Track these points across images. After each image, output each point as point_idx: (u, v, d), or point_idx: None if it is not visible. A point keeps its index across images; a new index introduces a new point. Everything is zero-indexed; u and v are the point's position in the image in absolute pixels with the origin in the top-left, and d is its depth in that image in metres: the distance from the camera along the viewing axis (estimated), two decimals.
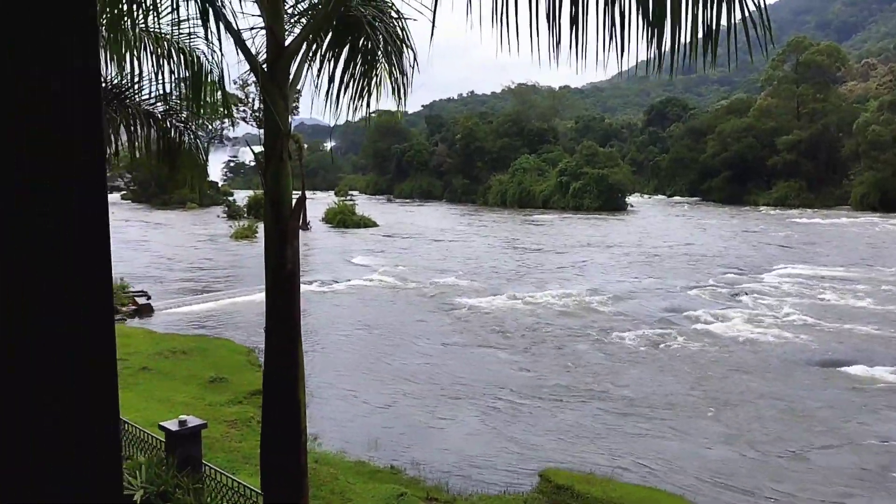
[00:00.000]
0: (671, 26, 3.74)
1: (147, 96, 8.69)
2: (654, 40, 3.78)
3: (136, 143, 8.90)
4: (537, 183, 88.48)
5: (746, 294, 28.72)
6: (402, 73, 6.75)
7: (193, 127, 9.46)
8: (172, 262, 38.64)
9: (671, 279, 32.52)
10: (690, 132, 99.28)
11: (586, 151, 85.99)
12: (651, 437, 14.30)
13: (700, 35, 3.79)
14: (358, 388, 17.30)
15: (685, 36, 3.84)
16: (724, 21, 3.85)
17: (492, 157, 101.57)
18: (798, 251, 41.87)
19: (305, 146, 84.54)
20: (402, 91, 6.85)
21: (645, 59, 3.83)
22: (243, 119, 66.59)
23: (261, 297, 6.08)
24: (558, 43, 3.73)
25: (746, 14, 3.90)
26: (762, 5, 3.86)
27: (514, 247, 46.13)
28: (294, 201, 5.78)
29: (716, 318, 24.55)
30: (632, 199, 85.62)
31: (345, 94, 6.64)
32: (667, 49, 3.79)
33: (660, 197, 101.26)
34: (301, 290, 6.16)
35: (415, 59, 6.70)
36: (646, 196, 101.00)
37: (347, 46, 6.48)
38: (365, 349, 21.01)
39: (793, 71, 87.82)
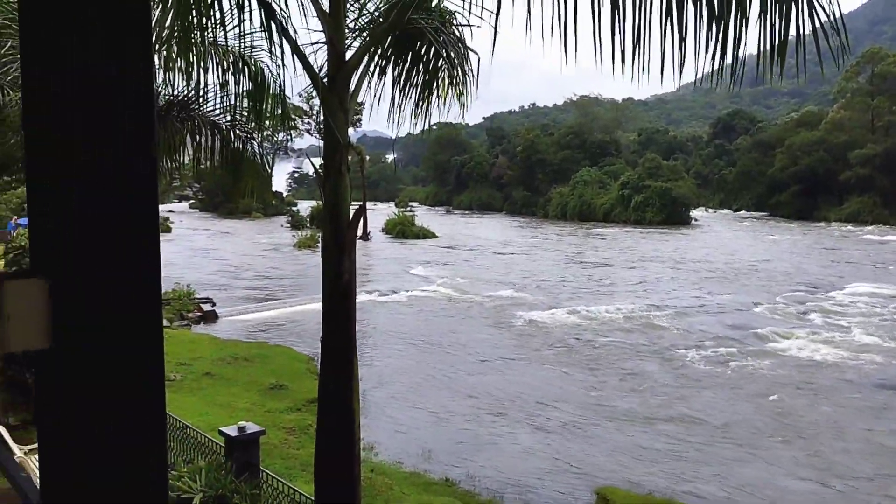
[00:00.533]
0: (737, 37, 3.62)
1: (212, 108, 8.93)
2: (720, 51, 3.67)
3: (203, 154, 9.14)
4: (598, 196, 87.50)
5: (816, 312, 27.70)
6: (465, 79, 6.75)
7: (258, 138, 9.67)
8: (237, 270, 39.54)
9: (738, 296, 31.62)
10: (758, 145, 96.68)
11: (649, 164, 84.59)
12: (719, 461, 13.84)
13: (768, 46, 3.66)
14: (414, 400, 17.32)
15: (753, 46, 3.72)
16: (793, 31, 3.71)
17: (552, 169, 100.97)
18: (871, 269, 40.20)
19: (367, 158, 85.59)
20: (463, 99, 6.84)
21: (710, 70, 3.72)
22: (307, 131, 67.89)
23: (321, 305, 6.14)
24: (622, 56, 3.65)
25: (818, 24, 3.75)
26: (837, 14, 3.71)
27: (575, 260, 45.64)
28: (352, 212, 5.83)
29: (784, 336, 23.74)
30: (696, 213, 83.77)
31: (406, 105, 6.68)
32: (734, 59, 3.67)
33: (725, 211, 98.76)
34: (359, 300, 6.20)
35: (478, 65, 6.69)
36: (711, 210, 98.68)
37: (409, 57, 6.52)
38: (421, 360, 21.03)
39: (867, 83, 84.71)
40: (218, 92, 8.07)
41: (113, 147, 1.03)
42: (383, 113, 6.63)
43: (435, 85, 6.73)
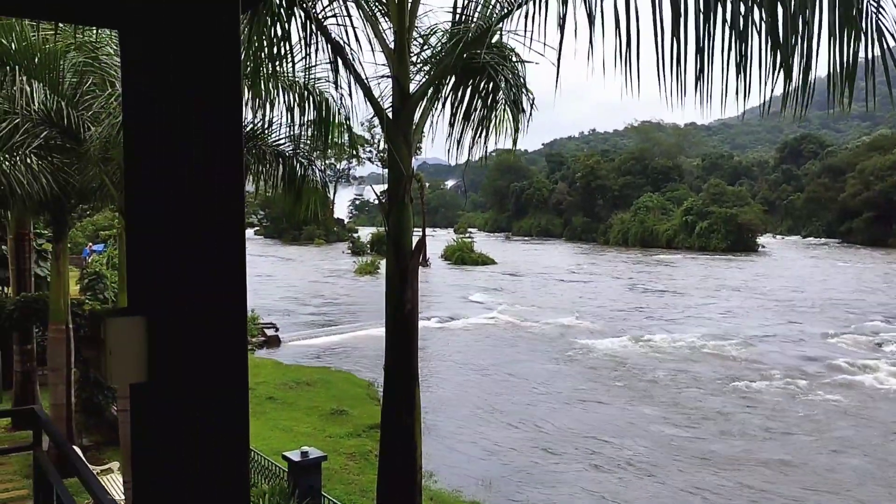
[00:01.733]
0: (805, 62, 3.57)
1: (277, 137, 9.19)
2: (785, 76, 3.62)
3: (268, 181, 9.40)
4: (661, 222, 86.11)
5: (893, 343, 26.53)
6: (522, 111, 6.80)
7: (321, 165, 9.89)
8: (300, 296, 40.23)
9: (809, 325, 30.55)
10: (828, 170, 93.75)
11: (713, 190, 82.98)
12: None
13: (837, 69, 3.60)
14: (473, 428, 17.23)
15: (822, 69, 3.67)
16: (863, 53, 3.64)
17: (613, 194, 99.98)
18: None
19: (427, 185, 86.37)
20: (521, 128, 6.90)
21: (776, 95, 3.68)
22: (369, 159, 69.12)
23: (381, 331, 6.23)
24: (684, 85, 3.64)
25: (886, 48, 3.68)
26: None
27: (637, 287, 44.90)
28: (415, 243, 5.91)
29: (861, 369, 22.77)
30: (763, 239, 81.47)
31: (466, 134, 6.76)
32: (799, 83, 3.62)
33: (794, 238, 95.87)
34: (419, 326, 6.25)
35: (532, 101, 6.74)
36: (778, 237, 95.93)
37: (469, 90, 6.62)
38: (481, 389, 20.93)
39: None
40: (284, 122, 8.32)
41: (205, 192, 1.10)
42: (442, 139, 6.76)
43: (493, 115, 6.80)
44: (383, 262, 8.07)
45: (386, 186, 6.32)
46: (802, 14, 3.45)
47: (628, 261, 66.23)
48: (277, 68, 6.33)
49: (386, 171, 6.48)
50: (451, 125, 6.68)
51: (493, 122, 6.87)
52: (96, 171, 8.63)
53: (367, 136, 64.45)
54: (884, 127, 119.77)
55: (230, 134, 1.13)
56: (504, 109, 6.81)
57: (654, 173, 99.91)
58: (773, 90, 3.70)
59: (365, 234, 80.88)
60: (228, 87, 1.13)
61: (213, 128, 1.12)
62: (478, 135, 6.81)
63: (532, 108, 6.84)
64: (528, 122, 6.87)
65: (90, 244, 35.20)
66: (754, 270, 55.09)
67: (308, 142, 8.52)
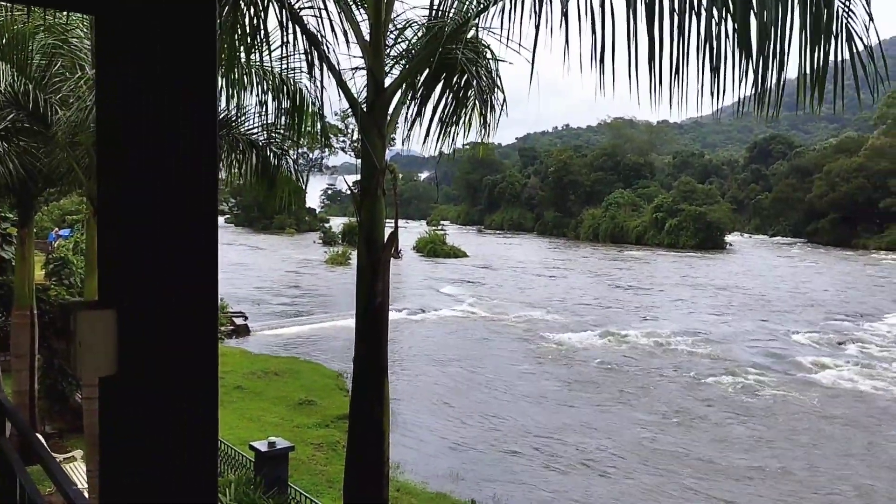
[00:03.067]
0: (777, 65, 3.63)
1: (251, 126, 9.10)
2: (755, 78, 3.68)
3: (240, 169, 9.32)
4: (631, 218, 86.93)
5: (856, 343, 27.13)
6: (492, 109, 6.86)
7: (294, 154, 9.85)
8: (270, 285, 39.98)
9: (774, 323, 31.11)
10: (796, 171, 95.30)
11: (684, 188, 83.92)
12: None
13: (806, 72, 3.67)
14: (441, 421, 17.29)
15: (793, 71, 3.74)
16: (833, 57, 3.72)
17: (585, 190, 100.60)
18: None
19: (400, 176, 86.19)
20: (490, 126, 6.95)
21: (747, 95, 3.74)
22: (342, 149, 68.65)
23: (351, 322, 6.26)
24: (659, 83, 3.69)
25: (856, 52, 3.76)
26: (874, 42, 3.72)
27: (607, 283, 45.33)
28: (387, 235, 5.93)
29: (824, 366, 23.26)
30: (731, 238, 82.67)
31: (440, 129, 6.77)
32: (771, 85, 3.68)
33: (761, 237, 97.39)
34: (389, 318, 6.27)
35: (504, 99, 6.79)
36: (746, 235, 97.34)
37: (441, 84, 6.63)
38: (450, 382, 21.01)
39: None
40: (257, 110, 8.24)
41: (179, 183, 1.09)
42: (416, 132, 6.75)
43: (465, 111, 6.84)
44: (355, 253, 8.09)
45: (359, 177, 6.31)
46: (774, 25, 3.52)
47: (599, 256, 66.81)
48: (252, 57, 6.28)
49: (359, 161, 6.47)
50: (425, 119, 6.68)
51: (466, 117, 6.90)
52: (64, 155, 8.48)
53: (341, 125, 63.98)
54: (850, 129, 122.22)
55: (205, 123, 1.13)
56: (475, 105, 6.84)
57: (626, 170, 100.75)
58: (745, 92, 3.77)
59: (337, 224, 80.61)
60: (206, 76, 1.13)
61: (188, 117, 1.11)
62: (449, 129, 6.83)
63: (504, 105, 6.89)
64: (499, 118, 6.92)
65: (56, 229, 34.56)
66: (722, 268, 55.92)
67: (282, 131, 8.45)
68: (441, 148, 6.86)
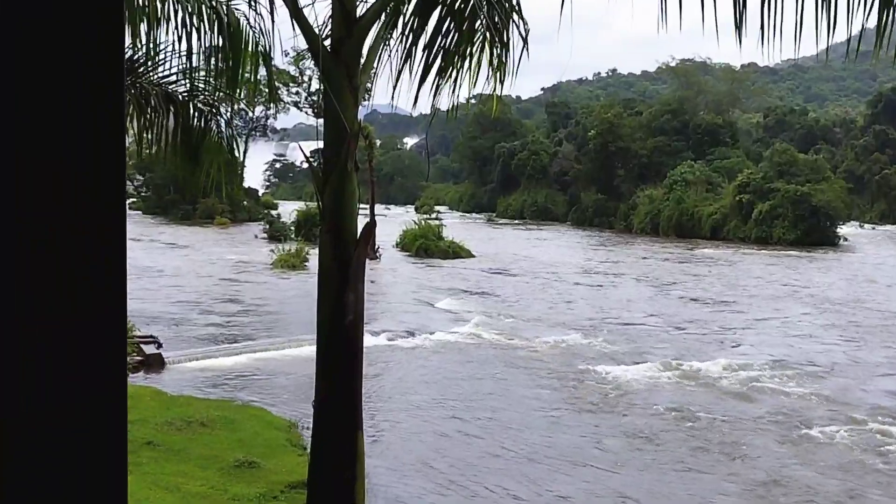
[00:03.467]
0: None
1: (166, 72, 9.09)
2: (881, 4, 3.64)
3: (150, 134, 9.30)
4: (705, 202, 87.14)
5: None
6: (506, 47, 6.82)
7: (226, 113, 9.82)
8: (193, 298, 39.98)
9: None
10: None
11: (779, 158, 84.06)
12: None
13: None
14: (434, 497, 17.28)
15: None
16: None
17: (639, 162, 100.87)
18: None
19: (378, 143, 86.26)
20: (505, 71, 6.90)
21: (868, 28, 3.69)
22: (296, 104, 68.67)
23: (310, 350, 6.23)
24: (743, 9, 3.63)
25: None
26: None
27: (672, 294, 45.39)
28: (361, 228, 5.90)
29: None
30: (846, 229, 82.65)
31: (436, 76, 6.73)
32: None
33: (889, 228, 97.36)
34: (364, 344, 6.23)
35: (526, 32, 6.75)
36: (867, 226, 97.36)
37: (438, 11, 6.58)
38: (451, 442, 20.96)
39: None
40: (175, 50, 8.21)
41: (71, 155, 1.06)
42: (402, 83, 6.68)
43: (471, 48, 6.80)
44: (314, 253, 8.05)
45: (320, 144, 6.27)
46: None
47: (661, 256, 66.89)
48: None
49: (320, 122, 6.44)
50: (413, 61, 6.63)
51: (472, 58, 6.86)
52: None
53: (294, 71, 64.00)
54: None
55: (107, 66, 1.09)
56: (485, 42, 6.82)
57: (698, 133, 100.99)
58: (865, 23, 3.71)
59: (288, 210, 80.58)
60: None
61: (81, 57, 1.08)
62: (448, 75, 6.79)
63: (525, 42, 6.85)
64: (518, 60, 6.88)
65: None
66: (835, 273, 55.97)
67: (210, 79, 8.43)
68: (436, 102, 6.83)
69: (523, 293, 44.74)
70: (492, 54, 6.88)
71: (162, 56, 8.71)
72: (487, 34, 6.78)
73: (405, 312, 37.40)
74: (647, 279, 51.59)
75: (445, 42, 6.68)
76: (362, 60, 6.12)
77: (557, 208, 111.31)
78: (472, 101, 8.19)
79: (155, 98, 8.96)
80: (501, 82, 7.08)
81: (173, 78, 8.96)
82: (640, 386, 25.81)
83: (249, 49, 7.48)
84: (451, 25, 6.62)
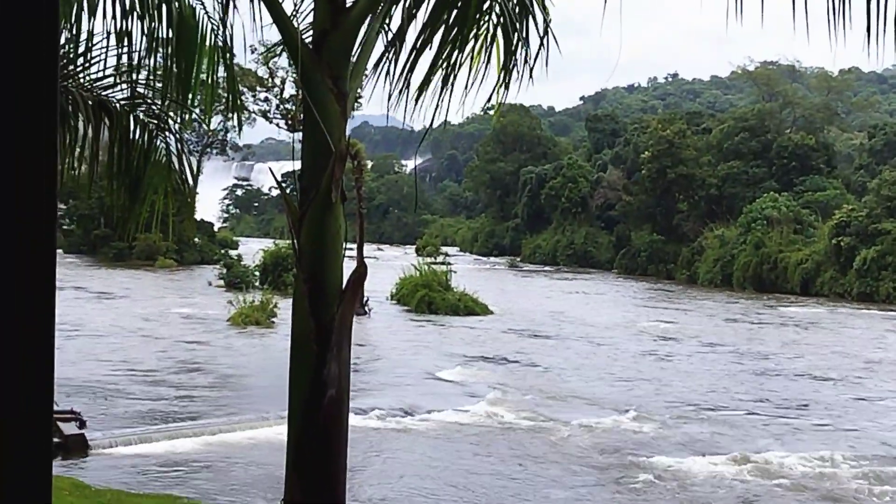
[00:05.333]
0: None
1: (100, 73, 9.14)
2: None
3: (78, 151, 9.33)
4: (792, 247, 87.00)
5: None
6: (522, 39, 6.87)
7: (175, 125, 9.85)
8: (129, 363, 39.92)
9: None
10: None
11: (889, 191, 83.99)
12: None
13: None
14: None
15: None
16: None
17: (707, 194, 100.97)
18: None
19: (369, 165, 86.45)
20: (528, 72, 6.94)
21: None
22: (264, 114, 68.81)
23: (278, 433, 6.20)
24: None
25: None
26: None
27: (748, 364, 45.22)
28: (348, 275, 5.88)
29: None
30: None
31: (443, 78, 6.76)
32: None
33: None
34: (350, 425, 6.20)
35: (546, 24, 6.79)
36: None
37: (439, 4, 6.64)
38: None
39: None
40: (111, 47, 8.27)
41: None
42: (398, 89, 6.72)
43: (483, 45, 6.85)
44: (285, 306, 8.05)
45: (296, 167, 6.30)
46: None
47: (735, 313, 66.69)
48: None
49: (297, 138, 6.47)
50: (421, 63, 6.68)
51: (484, 56, 6.92)
52: None
53: (263, 72, 64.36)
54: None
55: (39, 68, 1.10)
56: (495, 33, 6.88)
57: (783, 157, 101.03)
58: None
59: (251, 250, 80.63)
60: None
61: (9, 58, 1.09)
62: (448, 77, 6.81)
63: (547, 34, 6.91)
64: (533, 58, 6.92)
65: None
66: None
67: (156, 82, 8.48)
68: (439, 112, 6.84)
69: (556, 361, 44.57)
70: (507, 49, 6.92)
71: (95, 52, 8.78)
72: (501, 21, 6.83)
73: (401, 385, 37.30)
74: (717, 345, 51.35)
75: (454, 41, 6.72)
76: (352, 60, 6.15)
77: (600, 252, 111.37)
78: (489, 109, 8.24)
79: (85, 106, 9.00)
80: (524, 82, 7.08)
81: (109, 81, 9.01)
82: (709, 486, 25.62)
83: (206, 43, 7.53)
84: (455, 18, 6.66)
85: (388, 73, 6.72)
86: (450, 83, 6.87)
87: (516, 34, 6.94)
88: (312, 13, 6.14)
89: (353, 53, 6.13)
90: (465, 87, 6.90)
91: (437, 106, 6.86)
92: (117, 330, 49.08)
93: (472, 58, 6.97)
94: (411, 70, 6.78)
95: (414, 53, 6.74)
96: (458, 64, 6.85)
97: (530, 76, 7.06)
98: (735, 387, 39.28)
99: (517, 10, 6.88)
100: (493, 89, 7.12)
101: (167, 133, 9.56)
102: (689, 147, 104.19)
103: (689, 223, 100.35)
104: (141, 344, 45.18)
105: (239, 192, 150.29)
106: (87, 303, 59.83)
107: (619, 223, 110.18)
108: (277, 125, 66.14)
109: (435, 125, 6.83)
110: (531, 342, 50.62)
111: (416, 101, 6.82)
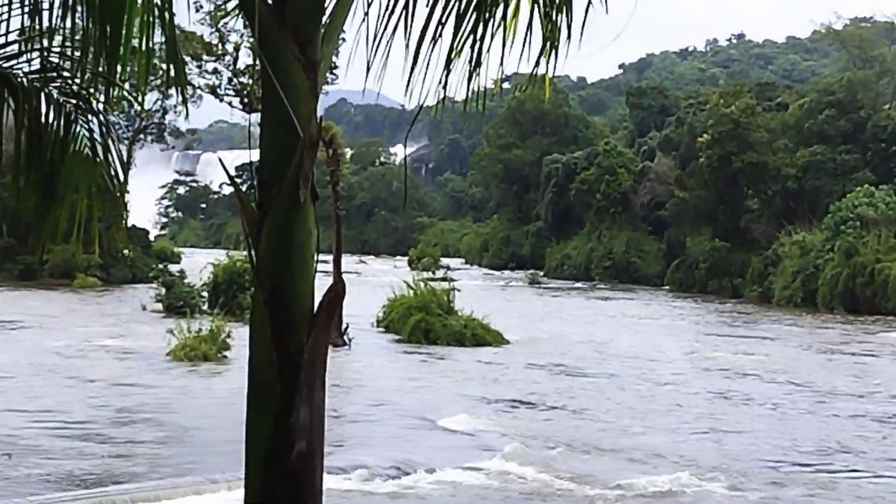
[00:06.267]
0: None
1: (1, 41, 9.15)
2: None
3: None
4: (894, 254, 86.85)
5: None
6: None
7: (99, 105, 9.83)
8: (37, 412, 39.92)
9: None
10: None
11: None
12: None
13: None
14: None
15: None
16: None
17: (783, 188, 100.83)
18: None
19: (348, 153, 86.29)
20: (558, 34, 6.96)
21: None
22: (212, 90, 68.73)
23: (231, 498, 6.21)
24: None
25: None
26: None
27: (867, 408, 45.05)
28: (322, 295, 5.88)
29: None
30: None
31: (437, 39, 6.79)
32: None
33: None
34: (325, 488, 6.21)
35: None
36: None
37: None
38: None
39: None
40: (16, 4, 8.30)
41: None
42: (389, 54, 6.73)
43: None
44: (241, 335, 8.08)
45: (254, 157, 6.32)
46: None
47: (830, 342, 66.60)
48: None
49: (254, 120, 6.49)
50: (410, 16, 6.69)
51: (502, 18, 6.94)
52: None
53: (212, 35, 64.55)
54: None
55: None
56: None
57: (881, 140, 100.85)
58: None
59: (197, 265, 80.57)
60: None
61: None
62: (460, 44, 6.83)
63: None
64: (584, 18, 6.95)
65: None
66: None
67: (75, 47, 8.50)
68: (443, 87, 6.85)
69: (594, 404, 44.39)
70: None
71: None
72: None
73: (392, 435, 37.23)
74: (814, 385, 51.17)
75: None
76: (325, 18, 6.17)
77: (647, 263, 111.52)
78: (505, 82, 8.27)
79: None
80: (552, 53, 7.13)
81: (12, 50, 9.03)
82: None
83: (139, 1, 7.54)
84: None
85: (375, 34, 6.65)
86: (468, 45, 6.86)
87: None
88: None
89: (325, 9, 6.13)
90: (475, 50, 6.90)
91: (442, 75, 6.86)
92: (22, 367, 48.96)
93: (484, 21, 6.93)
94: (408, 31, 6.76)
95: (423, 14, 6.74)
96: (488, 15, 6.82)
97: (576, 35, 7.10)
98: (814, 431, 39.17)
99: None
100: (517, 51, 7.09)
101: (89, 115, 9.53)
102: (760, 128, 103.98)
103: (761, 225, 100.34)
104: (53, 385, 45.13)
105: (181, 189, 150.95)
106: None
107: (671, 226, 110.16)
108: (230, 104, 66.37)
109: (432, 101, 6.86)
110: (560, 380, 50.45)
111: (412, 70, 6.78)
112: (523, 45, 7.02)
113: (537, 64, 7.25)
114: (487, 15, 6.79)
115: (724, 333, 71.09)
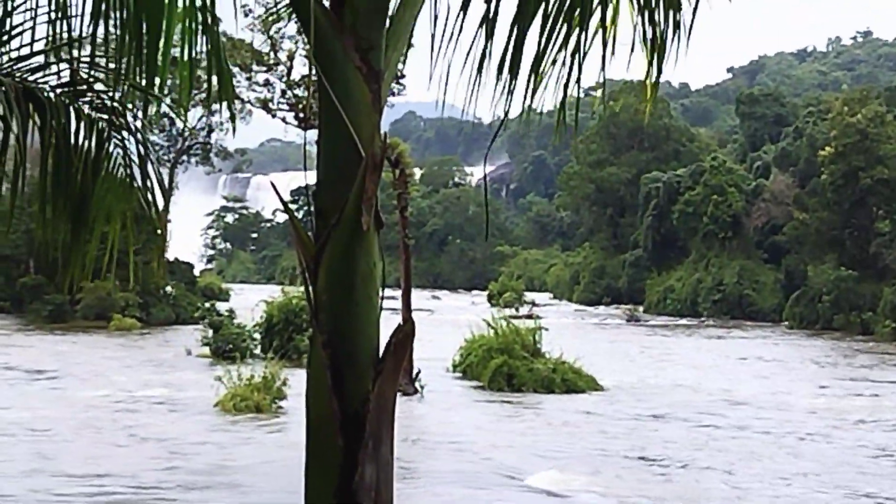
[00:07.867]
0: None
1: (25, 49, 9.19)
2: None
3: None
4: None
5: None
6: None
7: (136, 122, 9.86)
8: (69, 473, 40.14)
9: None
10: None
11: None
12: None
13: None
14: None
15: None
16: None
17: None
18: None
19: (417, 174, 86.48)
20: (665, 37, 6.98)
21: None
22: (264, 104, 69.02)
23: None
24: None
25: None
26: None
27: None
28: (390, 335, 5.88)
29: None
30: None
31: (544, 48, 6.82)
32: None
33: None
34: None
35: None
36: None
37: None
38: None
39: None
40: (43, 11, 8.37)
41: None
42: (465, 63, 6.73)
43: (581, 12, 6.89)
44: (298, 382, 8.12)
45: (311, 180, 6.34)
46: None
47: None
48: None
49: (310, 138, 6.52)
50: (490, 20, 6.72)
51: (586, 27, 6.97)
52: None
53: (262, 43, 64.98)
54: None
55: None
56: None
57: None
58: None
59: (248, 301, 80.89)
60: None
61: None
62: (552, 49, 6.85)
63: None
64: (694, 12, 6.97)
65: None
66: None
67: (108, 58, 8.55)
68: (532, 96, 6.87)
69: (713, 462, 44.02)
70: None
71: (17, 20, 8.88)
72: None
73: (469, 497, 37.16)
74: None
75: None
76: (388, 20, 6.20)
77: (763, 296, 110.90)
78: (594, 91, 8.30)
79: (4, 97, 9.06)
80: (660, 59, 7.16)
81: (38, 61, 9.09)
82: None
83: (180, 3, 7.59)
84: None
85: (451, 38, 6.66)
86: (544, 56, 6.89)
87: None
88: None
89: (388, 10, 6.16)
90: (575, 56, 6.93)
91: (529, 83, 6.89)
92: (70, 426, 49.11)
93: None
94: (490, 34, 6.79)
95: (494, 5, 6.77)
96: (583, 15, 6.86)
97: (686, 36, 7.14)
98: None
99: None
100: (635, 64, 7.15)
101: (124, 133, 9.55)
102: (891, 139, 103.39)
103: (893, 251, 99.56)
104: (87, 442, 45.28)
105: (229, 217, 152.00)
106: (14, 386, 60.18)
107: (790, 253, 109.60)
108: (283, 120, 66.70)
109: (514, 114, 6.87)
110: (668, 432, 50.00)
111: (499, 80, 6.81)
112: (624, 50, 7.06)
113: (647, 75, 7.28)
114: (588, 15, 6.82)
115: (861, 378, 70.44)
